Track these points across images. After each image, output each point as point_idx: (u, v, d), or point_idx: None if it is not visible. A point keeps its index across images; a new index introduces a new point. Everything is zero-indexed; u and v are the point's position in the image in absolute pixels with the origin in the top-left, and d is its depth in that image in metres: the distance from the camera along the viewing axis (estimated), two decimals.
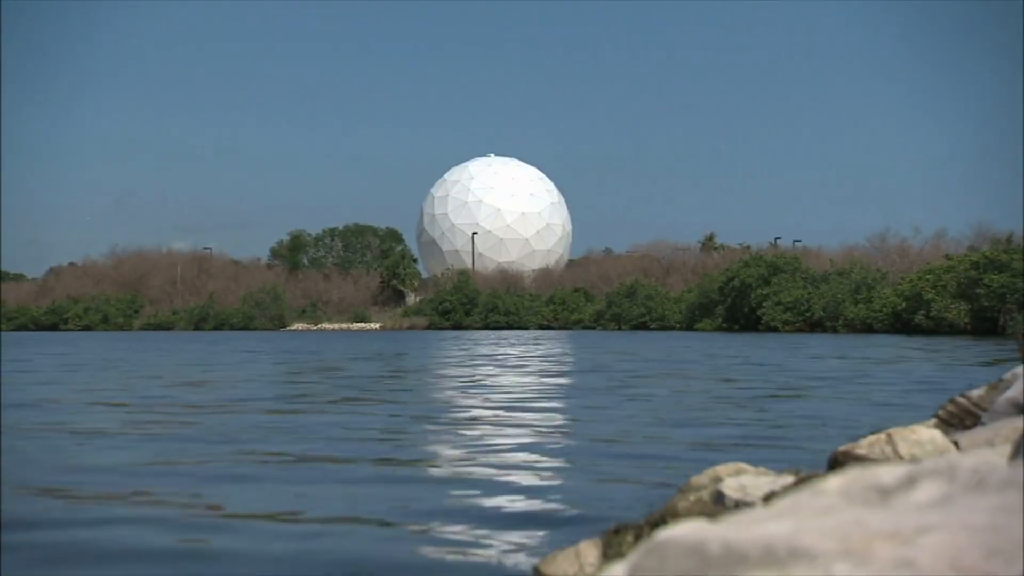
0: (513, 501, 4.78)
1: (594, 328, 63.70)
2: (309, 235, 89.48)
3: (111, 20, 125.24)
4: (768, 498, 2.72)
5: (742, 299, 54.27)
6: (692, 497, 3.09)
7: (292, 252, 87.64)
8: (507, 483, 5.32)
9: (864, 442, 3.17)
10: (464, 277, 74.82)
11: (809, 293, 51.75)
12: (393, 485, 5.33)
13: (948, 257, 46.59)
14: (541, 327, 66.93)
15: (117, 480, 5.45)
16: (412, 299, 79.76)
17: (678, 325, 59.97)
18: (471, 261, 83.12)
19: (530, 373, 15.97)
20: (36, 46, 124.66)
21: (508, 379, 14.37)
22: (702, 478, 3.36)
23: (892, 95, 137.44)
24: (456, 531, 4.10)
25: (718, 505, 2.91)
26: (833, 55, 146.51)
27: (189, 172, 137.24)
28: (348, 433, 7.78)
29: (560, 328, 65.65)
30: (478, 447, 6.87)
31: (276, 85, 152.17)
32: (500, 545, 3.86)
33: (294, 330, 69.80)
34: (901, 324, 44.03)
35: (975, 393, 3.63)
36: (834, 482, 1.48)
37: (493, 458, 6.30)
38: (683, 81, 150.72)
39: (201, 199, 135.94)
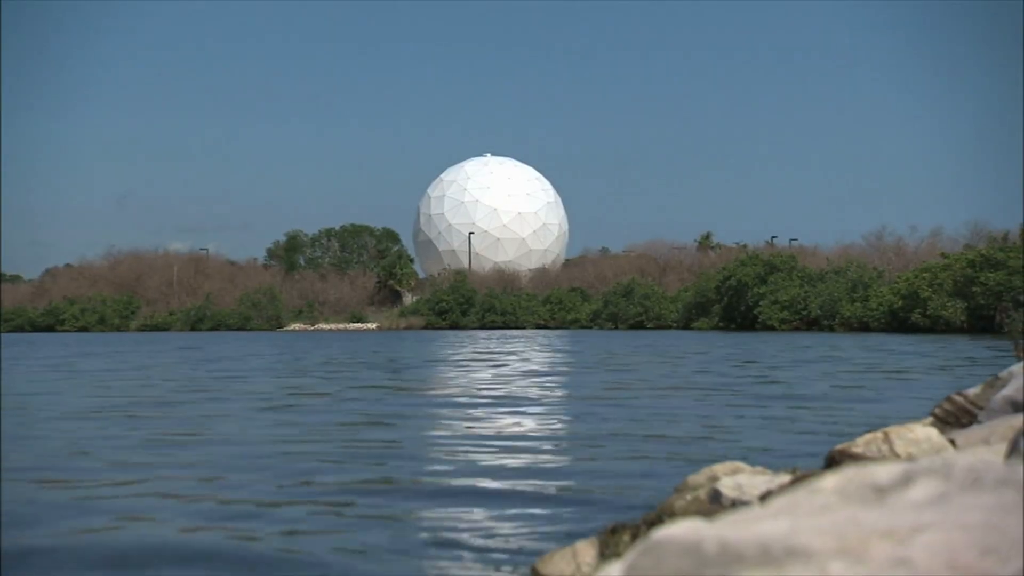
0: (510, 501, 4.78)
1: (591, 328, 63.73)
2: (306, 235, 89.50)
3: (111, 20, 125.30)
4: (764, 497, 2.72)
5: (739, 298, 54.30)
6: (689, 496, 3.09)
7: (288, 253, 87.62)
8: (504, 483, 5.32)
9: (861, 441, 3.18)
10: (461, 277, 74.80)
11: (806, 292, 51.79)
12: (390, 484, 5.33)
13: (944, 255, 46.63)
14: (538, 327, 66.95)
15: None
16: (409, 299, 79.75)
17: (675, 324, 60.01)
18: (468, 261, 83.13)
19: (530, 372, 15.97)
20: (36, 46, 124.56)
21: (506, 378, 14.37)
22: (699, 477, 3.36)
23: (888, 93, 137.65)
24: (453, 531, 4.10)
25: (715, 504, 2.91)
26: (829, 54, 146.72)
27: (186, 173, 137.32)
28: (344, 432, 7.78)
29: (557, 328, 65.67)
30: (473, 447, 6.87)
31: (274, 86, 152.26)
32: (497, 545, 3.86)
33: (291, 331, 69.75)
34: (898, 322, 44.08)
35: (971, 391, 3.64)
36: (830, 481, 1.48)
37: (490, 457, 6.30)
38: (679, 81, 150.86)
39: (198, 200, 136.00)
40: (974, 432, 3.08)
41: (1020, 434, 2.16)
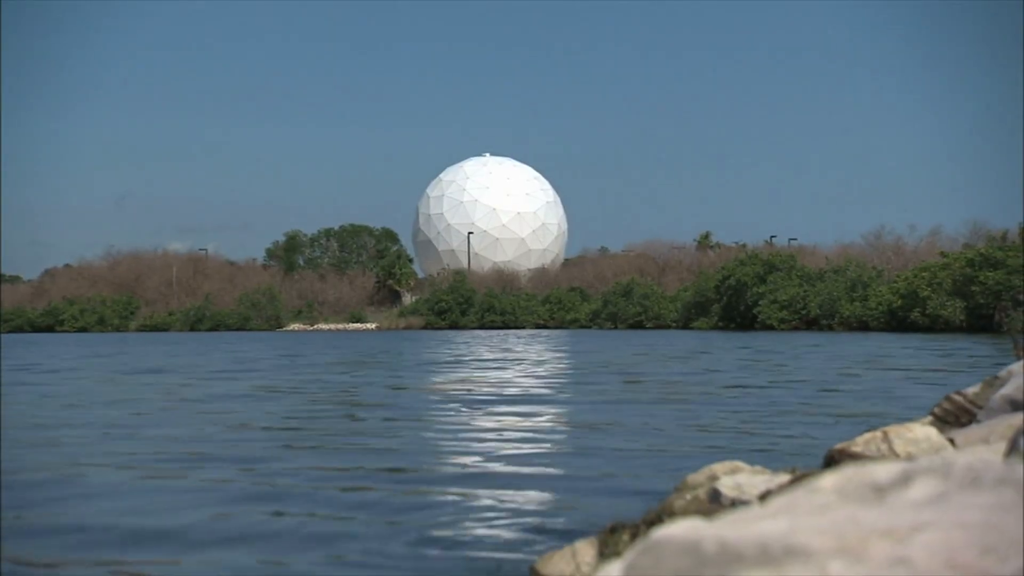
0: (509, 500, 4.78)
1: (590, 327, 63.72)
2: (305, 236, 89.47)
3: (111, 20, 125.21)
4: (764, 496, 2.73)
5: (738, 297, 54.29)
6: (688, 496, 3.09)
7: (288, 253, 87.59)
8: (504, 482, 5.33)
9: (860, 440, 3.17)
10: (460, 277, 74.75)
11: (805, 291, 51.78)
12: (389, 482, 5.33)
13: (943, 254, 46.64)
14: (537, 327, 66.95)
15: None
16: (408, 299, 79.73)
17: (674, 324, 60.00)
18: (467, 261, 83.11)
19: (529, 372, 15.98)
20: (36, 46, 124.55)
21: (506, 378, 14.38)
22: (698, 476, 3.36)
23: (888, 93, 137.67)
24: (452, 531, 4.10)
25: (714, 504, 2.91)
26: (828, 53, 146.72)
27: (186, 173, 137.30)
28: (346, 430, 7.78)
29: (556, 327, 65.66)
30: (475, 446, 6.87)
31: (273, 86, 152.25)
32: (496, 545, 3.86)
33: (290, 331, 69.71)
34: (897, 322, 44.09)
35: (971, 390, 3.64)
36: (829, 480, 1.48)
37: (489, 456, 6.30)
38: (678, 80, 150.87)
39: (197, 200, 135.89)
40: (973, 431, 3.08)
41: (1019, 433, 2.16)
